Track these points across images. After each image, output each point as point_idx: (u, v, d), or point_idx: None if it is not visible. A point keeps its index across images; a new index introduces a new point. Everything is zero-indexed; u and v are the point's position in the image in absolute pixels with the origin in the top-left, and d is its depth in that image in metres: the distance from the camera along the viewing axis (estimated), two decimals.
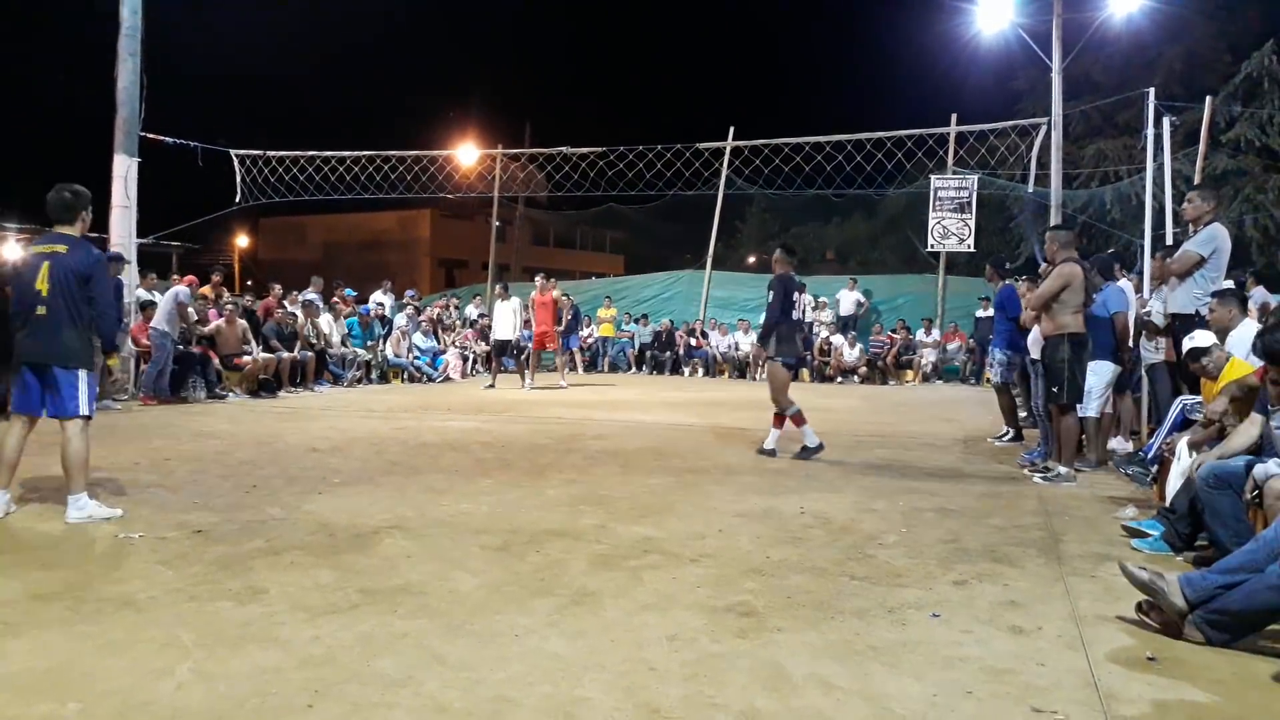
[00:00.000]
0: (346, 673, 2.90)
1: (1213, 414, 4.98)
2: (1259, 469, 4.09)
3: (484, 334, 18.48)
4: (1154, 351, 7.76)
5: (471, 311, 19.53)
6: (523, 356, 14.82)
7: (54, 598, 3.59)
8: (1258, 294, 9.66)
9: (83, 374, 4.96)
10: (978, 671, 3.02)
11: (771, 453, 7.65)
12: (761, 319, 18.27)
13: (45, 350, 4.87)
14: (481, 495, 5.79)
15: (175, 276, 14.96)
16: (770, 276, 7.90)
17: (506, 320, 14.39)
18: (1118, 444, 8.01)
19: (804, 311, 8.11)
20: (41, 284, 4.83)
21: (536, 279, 15.52)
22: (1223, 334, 5.65)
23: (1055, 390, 6.58)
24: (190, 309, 11.82)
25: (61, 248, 4.92)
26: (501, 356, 14.92)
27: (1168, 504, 4.88)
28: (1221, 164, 21.11)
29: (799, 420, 7.67)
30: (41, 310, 4.84)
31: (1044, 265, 6.97)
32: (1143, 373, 8.25)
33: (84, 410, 4.96)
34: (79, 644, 3.12)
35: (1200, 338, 5.41)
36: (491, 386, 14.42)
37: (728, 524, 5.08)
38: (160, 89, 12.07)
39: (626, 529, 4.92)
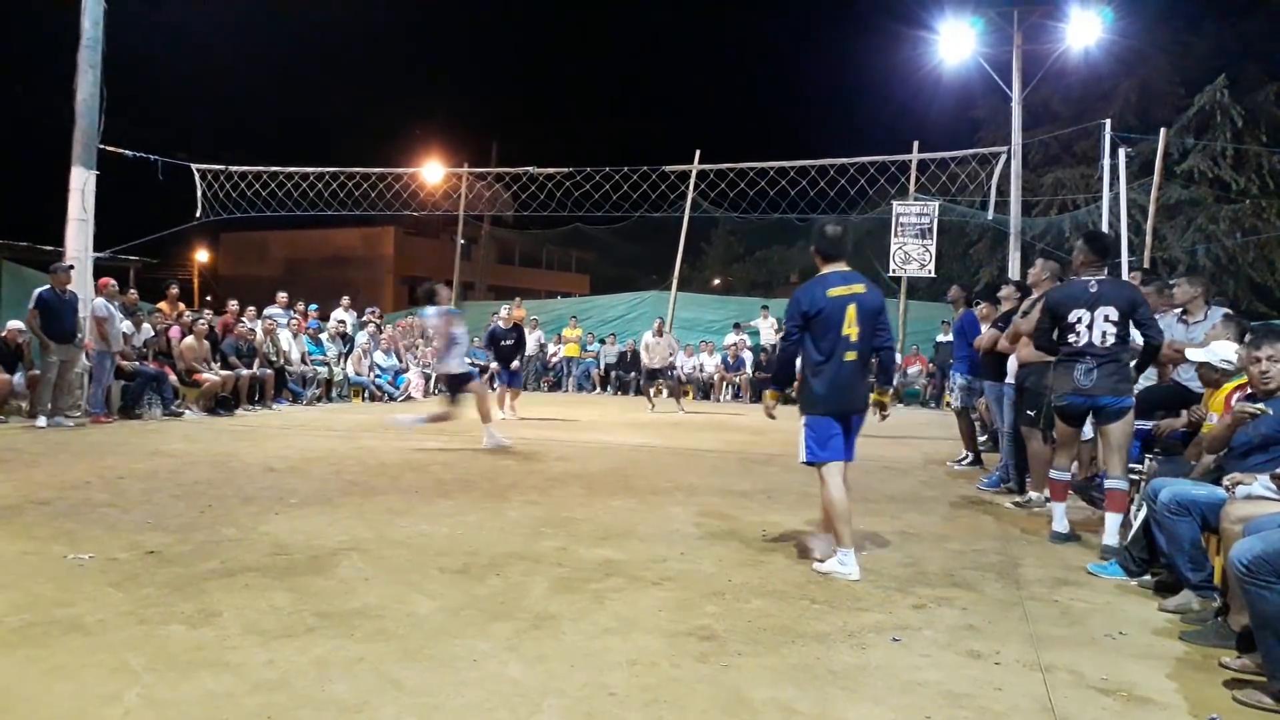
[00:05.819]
0: (301, 698, 2.85)
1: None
2: (1241, 490, 3.86)
3: None
4: None
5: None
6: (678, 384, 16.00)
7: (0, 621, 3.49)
8: None
9: None
10: (936, 696, 3.03)
11: (1068, 536, 5.55)
12: (725, 340, 18.71)
13: None
14: (441, 517, 5.73)
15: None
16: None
17: (660, 350, 15.44)
18: (1075, 470, 8.09)
19: (1089, 336, 5.20)
20: None
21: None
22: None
23: (1033, 414, 6.48)
24: (113, 326, 10.77)
25: None
26: (654, 381, 15.94)
27: None
28: (1175, 194, 21.67)
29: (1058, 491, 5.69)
30: None
31: (1029, 298, 6.88)
32: None
33: None
34: (24, 669, 3.03)
35: (1222, 349, 5.13)
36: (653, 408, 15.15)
37: (690, 546, 5.08)
38: (121, 102, 11.93)
39: (588, 551, 4.90)
